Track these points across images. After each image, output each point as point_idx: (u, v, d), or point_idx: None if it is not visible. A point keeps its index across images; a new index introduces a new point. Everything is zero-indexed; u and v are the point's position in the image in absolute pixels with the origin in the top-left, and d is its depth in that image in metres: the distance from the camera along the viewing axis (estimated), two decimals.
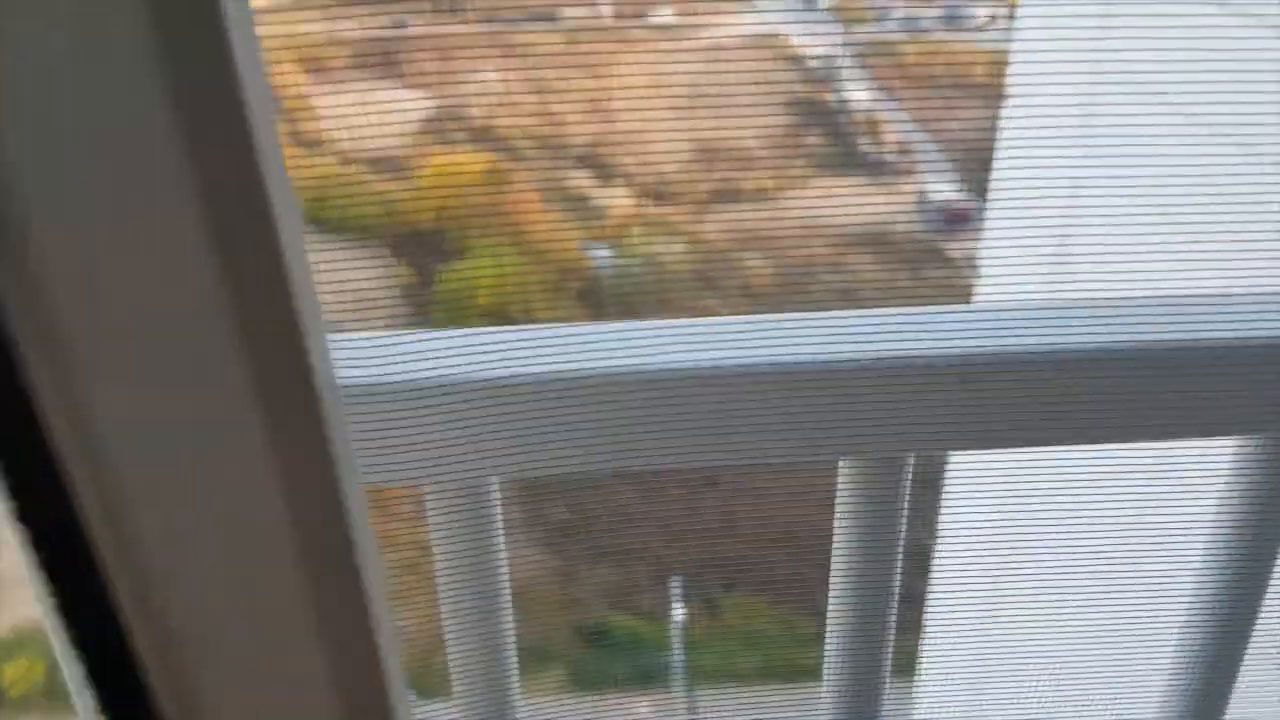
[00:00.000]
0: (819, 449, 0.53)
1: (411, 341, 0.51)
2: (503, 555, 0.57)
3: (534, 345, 0.51)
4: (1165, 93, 2.24)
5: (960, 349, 0.51)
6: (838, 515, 0.56)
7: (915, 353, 0.50)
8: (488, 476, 0.53)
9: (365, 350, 0.50)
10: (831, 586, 0.64)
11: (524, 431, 0.50)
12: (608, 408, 0.49)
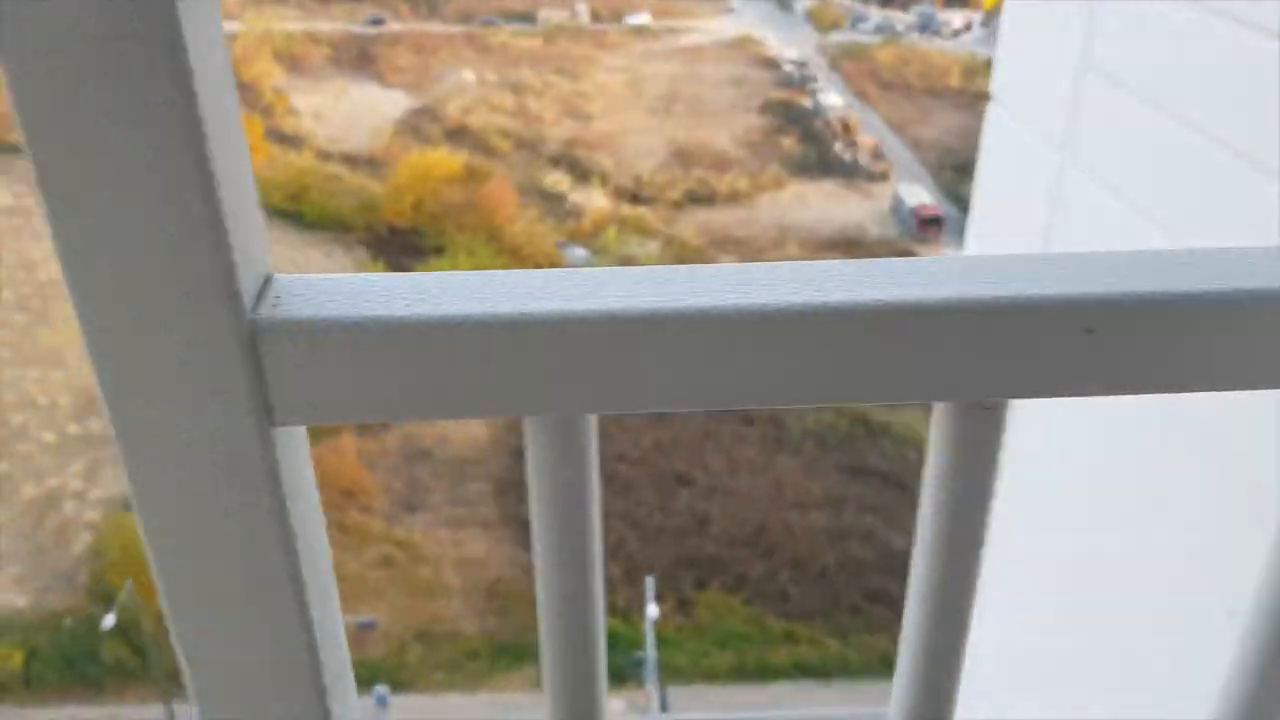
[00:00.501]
0: (883, 390, 0.54)
1: (507, 278, 0.52)
2: (596, 491, 0.59)
3: (626, 282, 0.51)
4: (1152, 96, 2.27)
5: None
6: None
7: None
8: (584, 413, 0.53)
9: (462, 285, 0.51)
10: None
11: (618, 367, 0.50)
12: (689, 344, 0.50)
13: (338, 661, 0.59)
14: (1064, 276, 0.52)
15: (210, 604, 0.54)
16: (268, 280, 0.50)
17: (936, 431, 0.57)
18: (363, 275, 0.52)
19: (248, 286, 0.47)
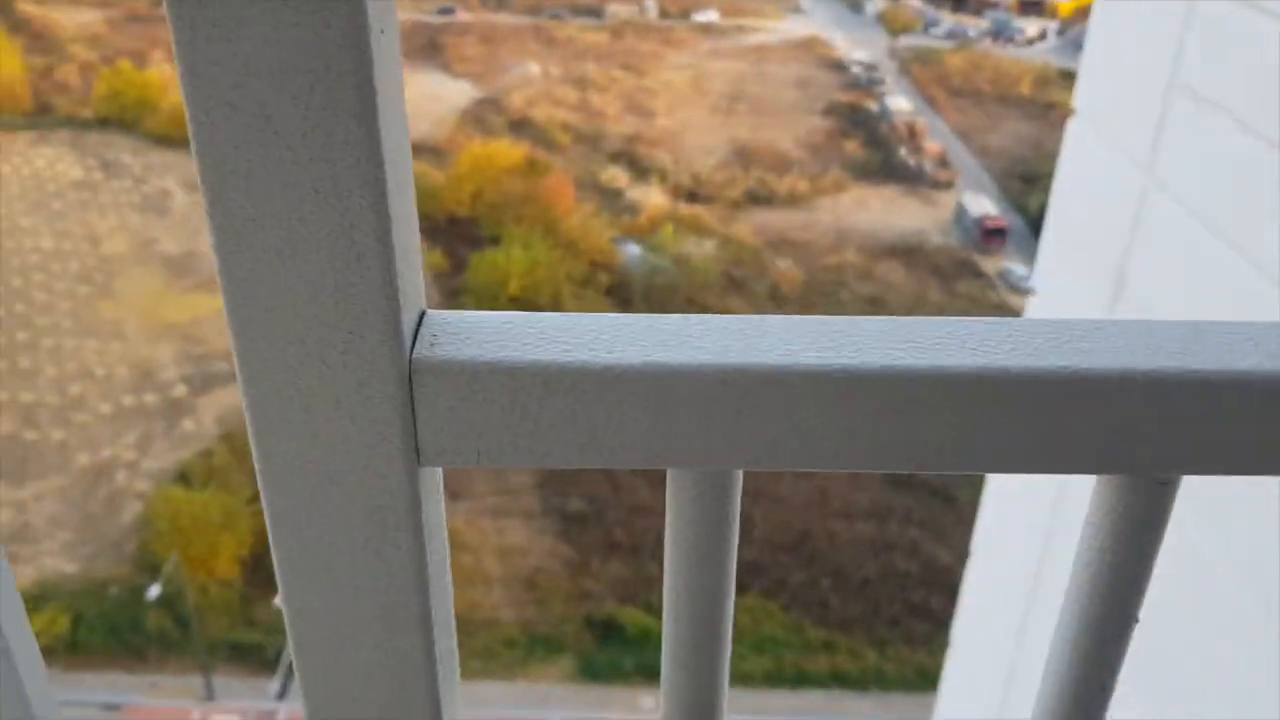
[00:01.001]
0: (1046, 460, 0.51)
1: (662, 324, 0.50)
2: (734, 547, 0.55)
3: (781, 335, 0.50)
4: (1242, 119, 2.20)
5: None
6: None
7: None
8: (733, 469, 0.51)
9: (618, 328, 0.50)
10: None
11: (768, 423, 0.48)
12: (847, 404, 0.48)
13: (453, 694, 0.59)
14: (1260, 349, 0.48)
15: (337, 635, 0.53)
16: (422, 316, 0.49)
17: (1099, 500, 0.54)
18: (516, 315, 0.51)
19: (407, 325, 0.46)
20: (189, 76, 0.39)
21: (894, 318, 0.51)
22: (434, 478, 0.52)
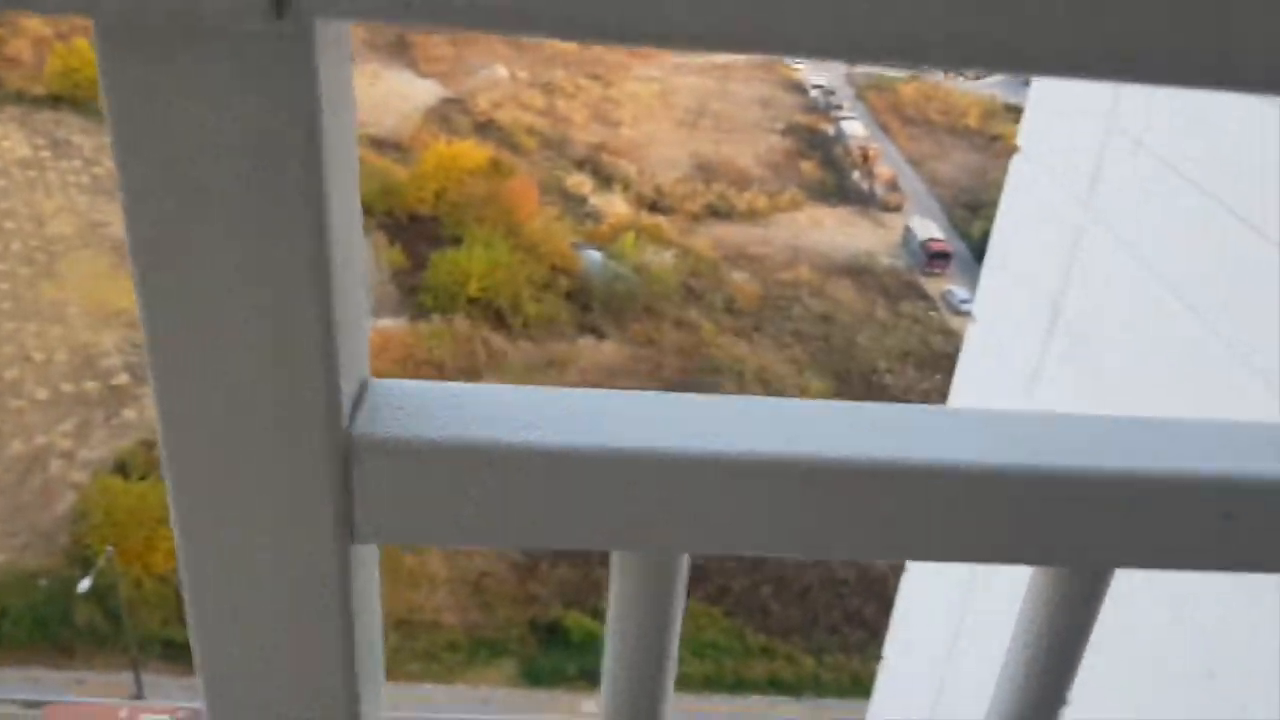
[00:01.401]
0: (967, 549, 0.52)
1: (614, 401, 0.50)
2: (676, 632, 0.55)
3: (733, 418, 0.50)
4: (1174, 163, 2.29)
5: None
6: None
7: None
8: (678, 552, 0.51)
9: (569, 406, 0.49)
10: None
11: (715, 508, 0.48)
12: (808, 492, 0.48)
13: None
14: (1195, 449, 0.50)
15: (257, 716, 0.51)
16: (364, 386, 0.47)
17: (1035, 588, 0.55)
18: (461, 387, 0.49)
19: (346, 397, 0.44)
20: (123, 148, 0.37)
21: (844, 404, 0.51)
22: (367, 554, 0.50)
